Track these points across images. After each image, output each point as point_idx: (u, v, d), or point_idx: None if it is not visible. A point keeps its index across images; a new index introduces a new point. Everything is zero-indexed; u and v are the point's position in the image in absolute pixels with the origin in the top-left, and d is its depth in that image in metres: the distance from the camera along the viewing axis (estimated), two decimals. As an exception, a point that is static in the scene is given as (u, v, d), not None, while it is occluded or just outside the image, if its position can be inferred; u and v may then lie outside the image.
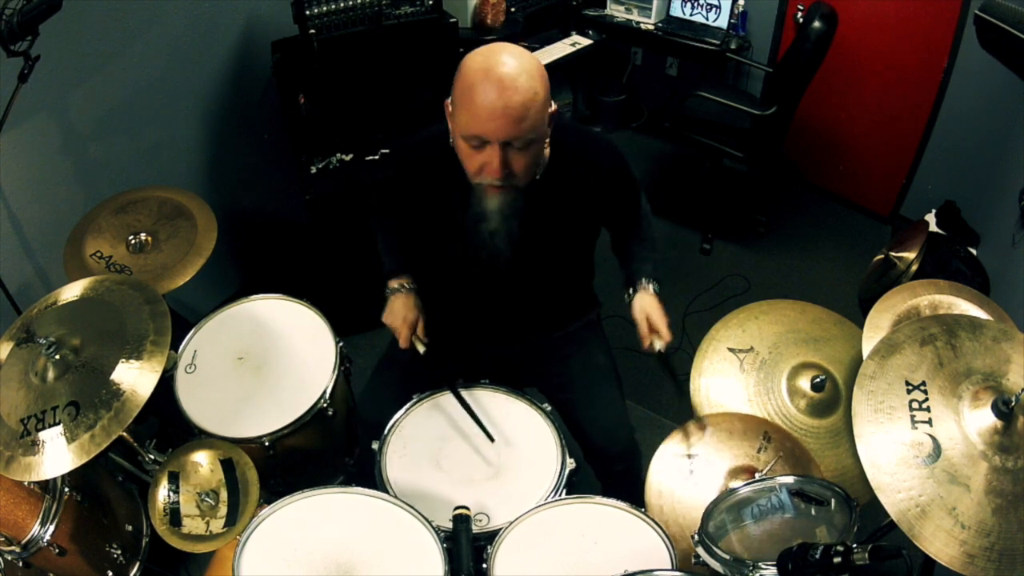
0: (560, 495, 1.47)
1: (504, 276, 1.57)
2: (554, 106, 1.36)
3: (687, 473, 1.44)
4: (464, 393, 1.64)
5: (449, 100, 1.35)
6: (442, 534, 1.34)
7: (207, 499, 1.47)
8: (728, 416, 1.51)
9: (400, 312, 1.63)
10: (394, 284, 1.67)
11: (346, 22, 2.25)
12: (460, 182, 1.43)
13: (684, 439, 1.49)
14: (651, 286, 1.58)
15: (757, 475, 1.38)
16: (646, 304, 1.54)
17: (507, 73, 1.24)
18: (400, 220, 1.72)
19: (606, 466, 1.73)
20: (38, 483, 1.48)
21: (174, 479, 1.50)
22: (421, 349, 1.63)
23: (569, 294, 1.72)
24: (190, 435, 1.69)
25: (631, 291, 1.58)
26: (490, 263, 1.53)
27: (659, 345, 1.50)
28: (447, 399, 1.66)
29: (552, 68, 3.25)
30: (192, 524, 1.46)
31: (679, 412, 2.48)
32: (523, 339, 1.73)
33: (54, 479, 1.50)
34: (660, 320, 1.52)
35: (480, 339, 1.75)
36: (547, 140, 1.40)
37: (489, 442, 1.58)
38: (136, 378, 1.38)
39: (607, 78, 4.06)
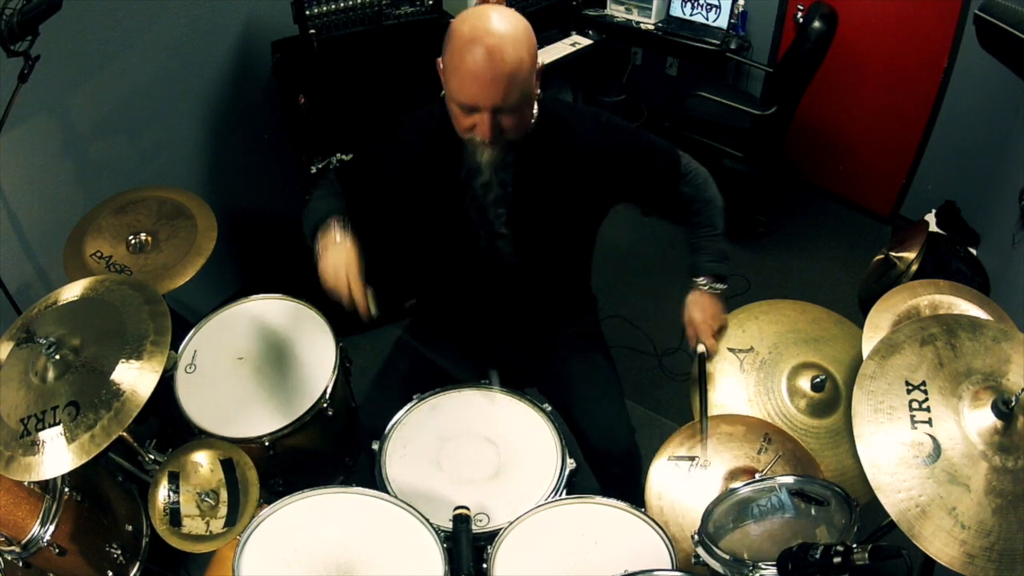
0: (560, 495, 1.47)
1: (508, 235, 1.52)
2: (541, 63, 1.38)
3: (687, 474, 1.44)
4: (466, 392, 1.63)
5: (440, 59, 1.36)
6: (442, 534, 1.33)
7: (207, 499, 1.47)
8: (729, 418, 1.51)
9: (339, 261, 1.38)
10: (325, 240, 1.43)
11: (346, 22, 2.25)
12: (451, 145, 1.42)
13: (684, 442, 1.48)
14: (707, 285, 1.55)
15: (757, 475, 1.38)
16: (696, 306, 1.54)
17: (494, 43, 1.25)
18: (393, 216, 1.67)
19: (605, 468, 1.73)
20: (38, 483, 1.48)
21: (174, 479, 1.50)
22: (373, 310, 1.37)
23: (566, 291, 1.72)
24: (190, 435, 1.69)
25: (691, 285, 1.57)
26: (490, 223, 1.50)
27: (701, 349, 1.49)
28: (447, 399, 1.66)
29: (552, 68, 3.27)
30: (192, 524, 1.46)
31: (679, 412, 2.48)
32: (522, 338, 1.73)
33: (54, 479, 1.50)
34: (705, 328, 1.52)
35: (480, 338, 1.75)
36: (536, 96, 1.41)
37: (489, 443, 1.58)
38: (136, 378, 1.38)
39: (607, 78, 4.06)
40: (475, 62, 1.25)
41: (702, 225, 1.62)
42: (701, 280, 1.56)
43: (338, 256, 1.40)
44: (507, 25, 1.28)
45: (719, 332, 1.58)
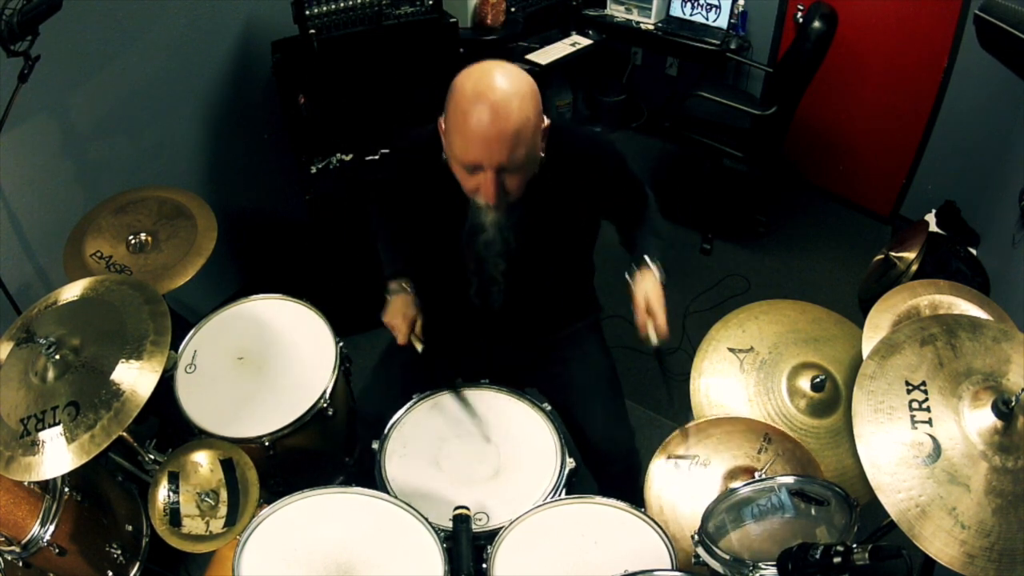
0: (560, 495, 1.47)
1: (502, 283, 1.57)
2: (547, 121, 1.36)
3: (687, 474, 1.44)
4: (467, 393, 1.64)
5: (442, 118, 1.33)
6: (442, 534, 1.34)
7: (207, 499, 1.47)
8: (729, 418, 1.51)
9: (399, 310, 1.63)
10: (394, 285, 1.67)
11: (346, 22, 2.25)
12: (455, 192, 1.42)
13: (683, 441, 1.48)
14: (655, 268, 1.48)
15: (756, 475, 1.38)
16: (647, 285, 1.45)
17: (499, 100, 1.22)
18: (399, 224, 1.72)
19: (604, 467, 1.73)
20: (38, 483, 1.48)
21: (174, 479, 1.50)
22: (419, 347, 1.63)
23: (568, 296, 1.72)
24: (190, 435, 1.69)
25: (633, 268, 1.49)
26: (487, 272, 1.54)
27: (654, 338, 1.41)
28: (447, 399, 1.67)
29: (552, 68, 3.27)
30: (192, 524, 1.46)
31: (679, 412, 2.47)
32: (523, 341, 1.73)
33: (54, 479, 1.50)
34: (658, 305, 1.43)
35: (480, 340, 1.75)
36: (543, 144, 1.40)
37: (487, 442, 1.58)
38: (136, 378, 1.38)
39: (607, 78, 4.06)
40: (479, 120, 1.23)
41: (650, 233, 1.61)
42: (658, 267, 1.49)
43: (397, 308, 1.63)
44: (512, 83, 1.25)
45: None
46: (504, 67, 1.28)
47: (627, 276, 1.50)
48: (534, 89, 1.29)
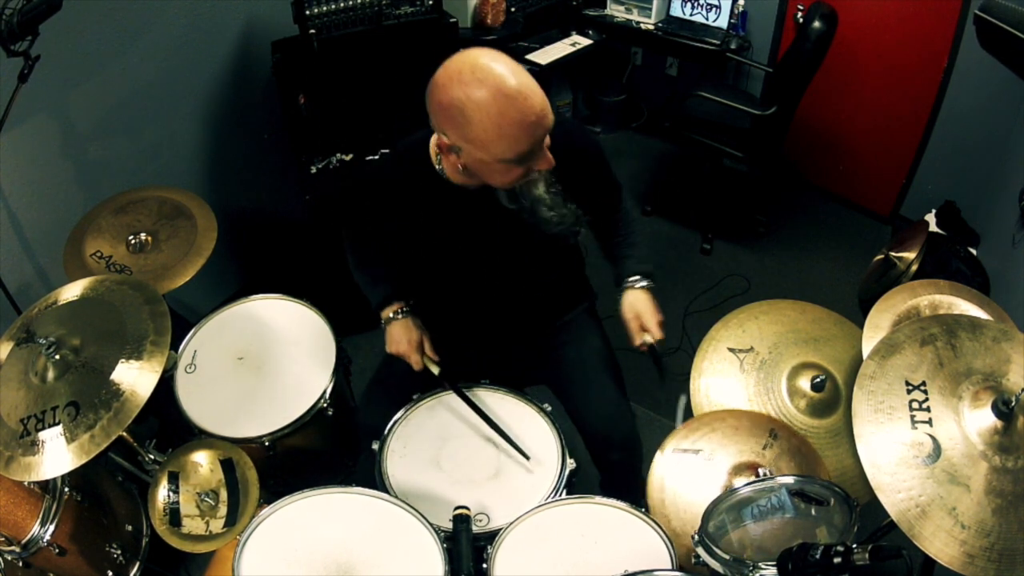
0: (560, 495, 1.47)
1: (492, 274, 1.57)
2: None
3: (690, 467, 1.43)
4: (472, 396, 1.64)
5: (445, 137, 1.30)
6: (442, 534, 1.34)
7: (207, 499, 1.47)
8: (736, 412, 1.51)
9: (403, 337, 1.64)
10: (388, 313, 1.67)
11: (346, 22, 2.25)
12: (436, 188, 1.43)
13: (684, 440, 1.48)
14: (639, 282, 1.59)
15: (760, 471, 1.38)
16: (635, 301, 1.56)
17: (515, 86, 1.21)
18: (379, 241, 1.69)
19: (604, 453, 1.71)
20: (38, 483, 1.48)
21: (174, 479, 1.50)
22: (435, 371, 1.64)
23: (560, 284, 1.72)
24: (190, 435, 1.69)
25: (621, 289, 1.60)
26: (477, 264, 1.54)
27: (649, 340, 1.51)
28: (447, 399, 1.67)
29: (552, 68, 3.27)
30: (192, 524, 1.46)
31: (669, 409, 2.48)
32: (520, 334, 1.73)
33: (54, 479, 1.50)
34: (649, 318, 1.53)
35: (476, 333, 1.74)
36: None
37: (489, 443, 1.58)
38: (136, 378, 1.38)
39: (607, 78, 4.06)
40: (518, 111, 1.21)
41: (628, 242, 1.69)
42: (635, 278, 1.60)
43: (399, 335, 1.65)
44: (501, 61, 1.23)
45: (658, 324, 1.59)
46: (483, 54, 1.25)
47: (616, 296, 1.60)
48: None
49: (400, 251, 1.63)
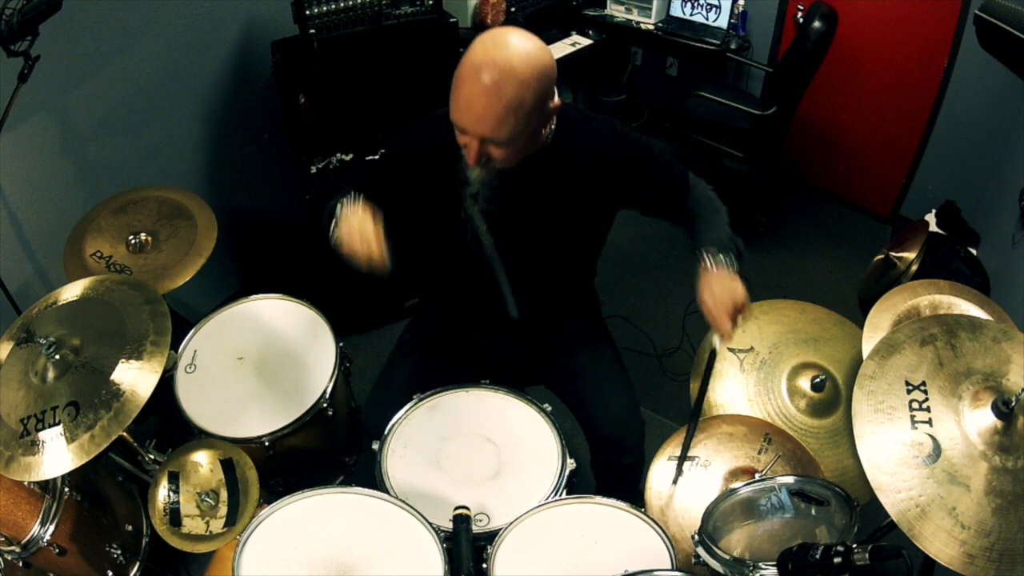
0: (560, 495, 1.47)
1: (492, 252, 1.52)
2: (557, 101, 1.35)
3: (687, 474, 1.44)
4: (466, 392, 1.63)
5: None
6: (442, 534, 1.33)
7: (207, 499, 1.47)
8: (729, 417, 1.51)
9: (355, 225, 1.36)
10: (339, 214, 1.42)
11: (346, 22, 2.25)
12: (452, 150, 1.42)
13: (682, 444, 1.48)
14: (710, 261, 1.33)
15: (757, 475, 1.38)
16: (703, 287, 1.32)
17: (496, 78, 1.21)
18: (393, 211, 1.57)
19: (615, 458, 1.70)
20: (38, 483, 1.48)
21: (174, 479, 1.50)
22: (386, 264, 1.34)
23: (570, 289, 1.72)
24: (190, 435, 1.69)
25: (698, 270, 1.36)
26: (472, 228, 1.50)
27: (715, 341, 1.29)
28: (447, 399, 1.66)
29: (552, 68, 3.26)
30: (192, 524, 1.46)
31: (679, 412, 2.48)
32: (527, 339, 1.72)
33: (54, 479, 1.50)
34: (716, 308, 1.28)
35: (481, 336, 1.74)
36: (549, 126, 1.39)
37: (489, 443, 1.58)
38: (136, 378, 1.38)
39: (607, 78, 4.06)
40: (470, 91, 1.23)
41: (701, 217, 1.52)
42: (711, 258, 1.33)
43: (353, 218, 1.38)
44: (519, 59, 1.22)
45: (738, 313, 1.29)
46: (520, 41, 1.25)
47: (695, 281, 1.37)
48: (543, 70, 1.27)
49: (413, 230, 1.60)
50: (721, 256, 1.33)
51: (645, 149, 1.51)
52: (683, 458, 1.42)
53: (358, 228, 1.35)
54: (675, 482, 1.43)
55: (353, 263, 1.36)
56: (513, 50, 1.23)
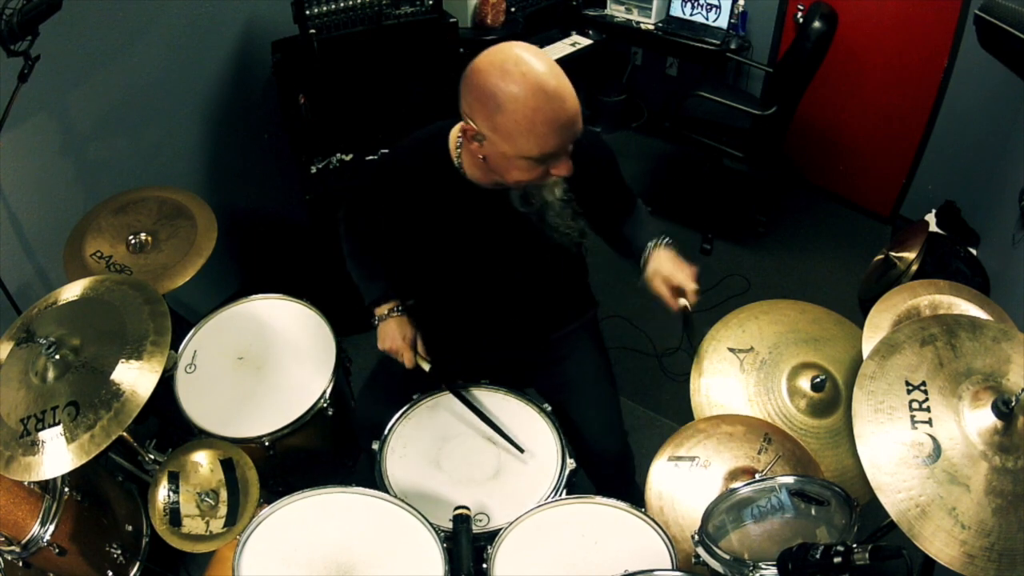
0: (560, 495, 1.47)
1: (495, 276, 1.57)
2: None
3: (687, 475, 1.44)
4: (466, 393, 1.64)
5: (472, 123, 1.28)
6: (442, 534, 1.34)
7: (207, 499, 1.47)
8: (729, 418, 1.51)
9: (396, 334, 1.64)
10: (382, 311, 1.66)
11: (346, 22, 2.25)
12: (450, 181, 1.42)
13: (684, 442, 1.48)
14: (658, 245, 1.47)
15: (757, 475, 1.38)
16: (658, 266, 1.43)
17: (556, 85, 1.21)
18: (383, 231, 1.66)
19: (597, 468, 1.74)
20: (38, 483, 1.48)
21: (174, 479, 1.50)
22: (426, 367, 1.64)
23: (562, 293, 1.72)
24: (190, 435, 1.69)
25: (642, 264, 1.47)
26: (482, 261, 1.53)
27: (685, 302, 1.40)
28: (447, 399, 1.66)
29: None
30: (192, 524, 1.46)
31: (679, 412, 2.48)
32: (517, 337, 1.73)
33: (54, 479, 1.50)
34: (679, 274, 1.40)
35: (475, 335, 1.74)
36: None
37: (489, 443, 1.58)
38: (136, 378, 1.39)
39: (607, 78, 4.06)
40: (553, 111, 1.22)
41: (637, 222, 1.62)
42: (657, 241, 1.48)
43: (392, 332, 1.65)
44: (546, 61, 1.24)
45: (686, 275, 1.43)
46: (527, 50, 1.25)
47: (638, 278, 1.48)
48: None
49: (404, 244, 1.61)
50: (656, 240, 1.48)
51: (614, 159, 1.58)
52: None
53: (404, 341, 1.63)
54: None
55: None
56: (532, 58, 1.23)
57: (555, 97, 1.21)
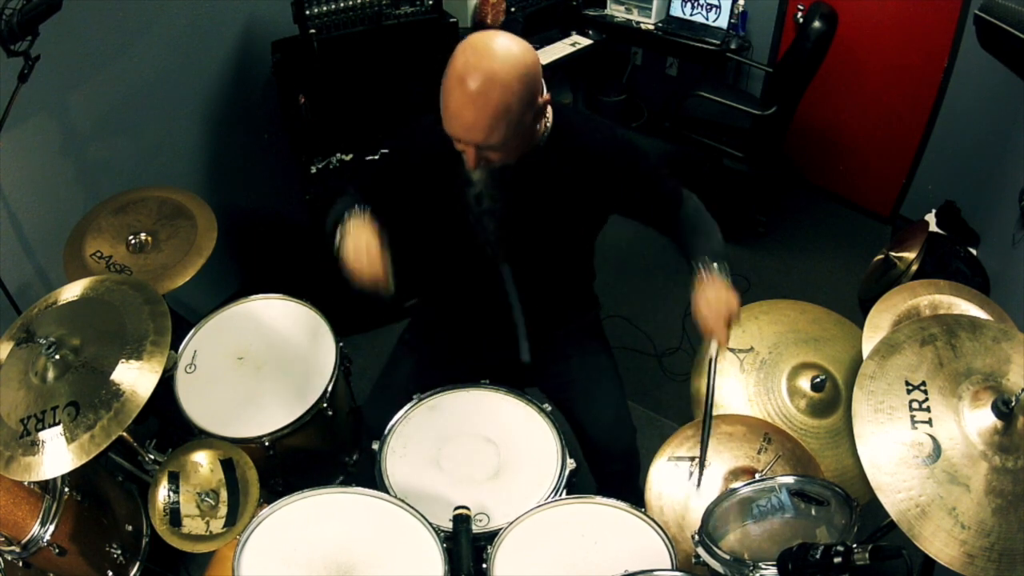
0: (560, 495, 1.47)
1: (499, 270, 1.55)
2: (546, 95, 1.34)
3: (687, 474, 1.44)
4: (466, 392, 1.64)
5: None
6: (442, 534, 1.34)
7: (207, 499, 1.47)
8: (728, 417, 1.51)
9: (353, 243, 1.37)
10: (343, 228, 1.41)
11: (346, 22, 2.25)
12: (450, 157, 1.41)
13: (684, 442, 1.48)
14: (706, 271, 1.37)
15: (757, 475, 1.38)
16: (699, 296, 1.35)
17: (480, 87, 1.21)
18: (394, 216, 1.58)
19: (604, 465, 1.73)
20: (38, 483, 1.48)
21: (174, 479, 1.50)
22: (391, 286, 1.37)
23: (568, 290, 1.72)
24: (190, 435, 1.69)
25: (692, 276, 1.40)
26: (479, 230, 1.51)
27: (712, 349, 1.33)
28: (447, 399, 1.66)
29: (552, 68, 3.26)
30: (192, 524, 1.46)
31: (679, 412, 2.48)
32: (527, 335, 1.72)
33: (54, 479, 1.50)
34: (712, 316, 1.32)
35: (480, 337, 1.74)
36: (544, 121, 1.39)
37: (489, 443, 1.58)
38: (136, 378, 1.39)
39: (607, 78, 4.06)
40: (457, 101, 1.24)
41: (695, 231, 1.54)
42: (705, 269, 1.38)
43: (358, 236, 1.39)
44: (502, 63, 1.22)
45: (731, 320, 1.35)
46: (499, 45, 1.24)
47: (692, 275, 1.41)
48: (526, 70, 1.25)
49: (409, 235, 1.59)
50: (715, 265, 1.38)
51: (642, 156, 1.52)
52: (702, 467, 1.41)
53: (364, 248, 1.36)
54: (698, 486, 1.41)
55: (356, 282, 1.36)
56: (494, 55, 1.23)
57: (470, 93, 1.22)
